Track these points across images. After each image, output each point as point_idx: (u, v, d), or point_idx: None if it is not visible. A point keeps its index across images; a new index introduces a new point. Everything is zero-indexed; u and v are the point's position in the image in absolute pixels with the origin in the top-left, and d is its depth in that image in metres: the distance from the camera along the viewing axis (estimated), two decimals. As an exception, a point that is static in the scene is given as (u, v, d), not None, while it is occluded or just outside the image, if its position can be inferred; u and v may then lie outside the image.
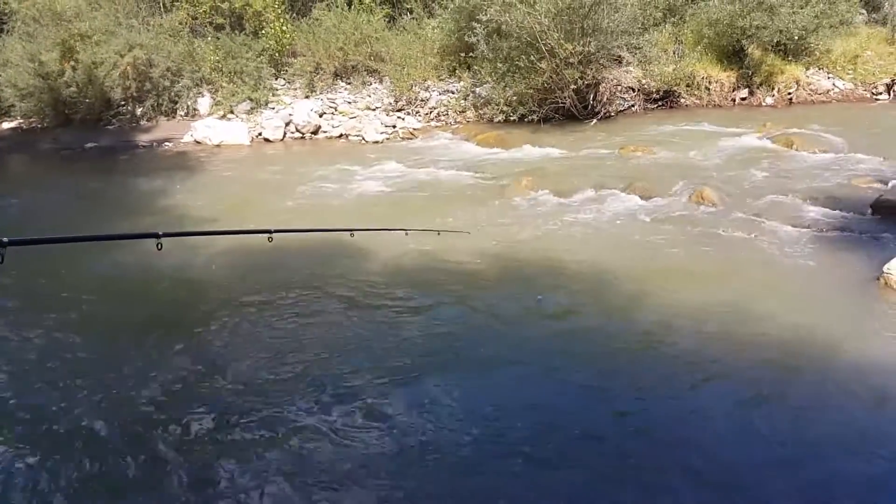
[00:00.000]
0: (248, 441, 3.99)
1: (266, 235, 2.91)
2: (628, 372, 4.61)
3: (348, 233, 4.82)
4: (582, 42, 12.16)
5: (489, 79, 13.61)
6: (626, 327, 5.19)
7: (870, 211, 7.33)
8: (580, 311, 5.50)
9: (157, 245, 2.39)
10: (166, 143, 13.50)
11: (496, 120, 13.43)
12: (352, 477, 3.65)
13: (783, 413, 4.08)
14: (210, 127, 13.54)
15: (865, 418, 3.99)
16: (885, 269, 5.61)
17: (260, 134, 13.48)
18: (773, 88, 13.93)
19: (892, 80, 14.01)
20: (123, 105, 14.59)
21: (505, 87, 13.17)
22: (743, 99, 13.96)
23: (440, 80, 14.59)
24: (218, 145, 13.16)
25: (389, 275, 6.28)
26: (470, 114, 13.98)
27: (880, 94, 13.95)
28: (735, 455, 3.71)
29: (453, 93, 14.33)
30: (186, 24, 15.37)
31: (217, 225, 7.82)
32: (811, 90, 14.05)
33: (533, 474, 3.63)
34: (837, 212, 7.34)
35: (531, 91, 12.85)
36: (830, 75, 14.35)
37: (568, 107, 12.97)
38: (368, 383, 4.52)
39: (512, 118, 13.29)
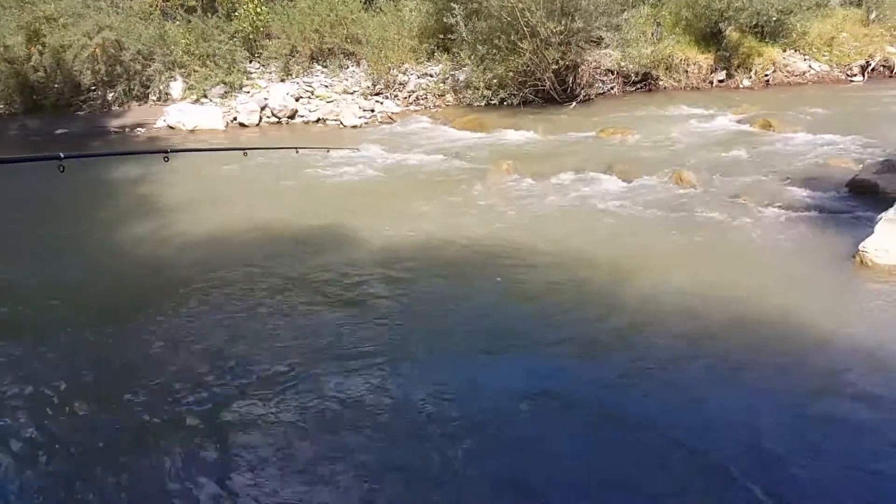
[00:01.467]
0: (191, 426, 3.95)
1: (162, 155, 2.89)
2: (604, 351, 4.62)
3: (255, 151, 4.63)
4: (563, 21, 12.11)
5: (468, 61, 13.53)
6: (604, 308, 5.19)
7: (845, 190, 7.43)
8: (556, 293, 5.49)
9: (60, 168, 2.46)
10: (139, 129, 13.24)
11: (476, 104, 13.38)
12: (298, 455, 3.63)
13: (759, 390, 4.11)
14: (183, 111, 13.30)
15: (840, 394, 4.04)
16: (860, 247, 5.68)
17: (235, 118, 13.28)
18: (750, 70, 14.05)
19: (867, 62, 14.19)
20: (94, 90, 14.27)
21: (485, 69, 13.11)
22: (721, 81, 14.05)
23: (419, 63, 14.47)
24: (192, 130, 12.94)
25: (356, 259, 6.22)
26: (449, 97, 13.89)
27: (855, 75, 14.13)
28: (709, 434, 3.73)
29: (432, 76, 14.22)
30: (157, 6, 15.05)
31: (195, 214, 7.65)
32: (788, 72, 14.19)
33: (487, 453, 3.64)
34: (814, 192, 7.41)
35: (511, 74, 12.81)
36: (807, 57, 14.50)
37: (548, 90, 12.95)
38: (314, 369, 4.48)
39: (492, 102, 13.24)
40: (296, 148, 4.50)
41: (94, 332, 5.11)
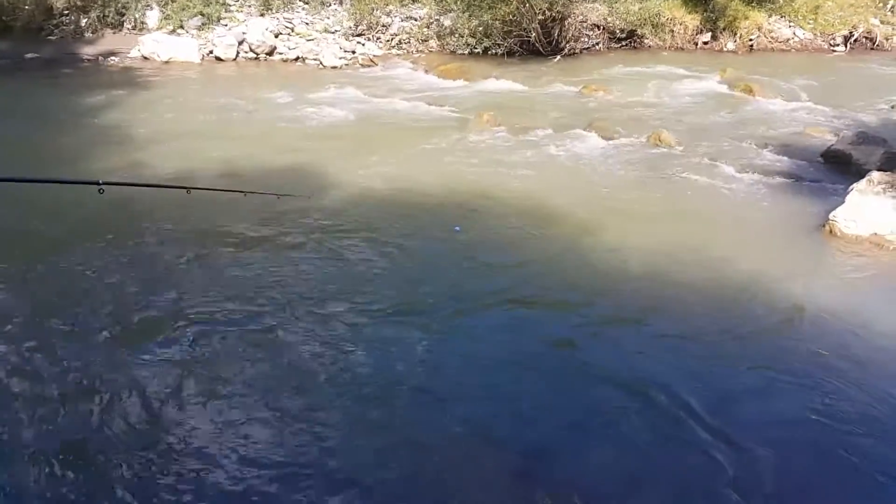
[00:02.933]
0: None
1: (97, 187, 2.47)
2: (561, 307, 4.58)
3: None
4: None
5: (454, 7, 13.10)
6: (567, 263, 5.13)
7: (820, 160, 7.40)
8: (521, 246, 5.41)
9: None
10: (112, 58, 12.65)
11: (459, 52, 13.00)
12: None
13: (724, 351, 4.11)
14: (158, 42, 12.72)
15: (803, 357, 4.05)
16: (830, 216, 5.67)
17: (211, 52, 12.74)
18: (735, 34, 13.82)
19: (850, 32, 14.04)
20: (66, 14, 13.57)
21: (470, 16, 12.72)
22: (706, 43, 13.83)
23: (403, 4, 13.96)
24: (166, 62, 12.41)
25: (321, 204, 6.05)
26: (433, 43, 13.48)
27: (837, 45, 13.99)
28: (671, 392, 3.72)
29: (416, 20, 13.75)
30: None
31: (159, 155, 7.26)
32: (772, 37, 13.99)
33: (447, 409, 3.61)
34: (790, 159, 7.37)
35: (497, 22, 12.44)
36: (791, 24, 14.29)
37: (533, 41, 12.62)
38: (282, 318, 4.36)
39: (476, 51, 12.89)
40: (244, 192, 4.27)
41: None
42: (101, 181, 2.46)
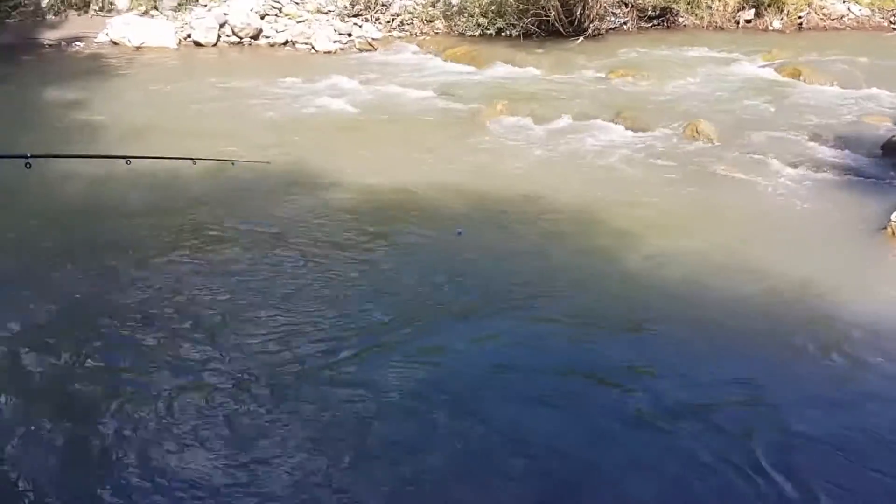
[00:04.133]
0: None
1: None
2: (589, 320, 4.62)
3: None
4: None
5: (463, -18, 13.22)
6: (595, 270, 5.19)
7: (880, 152, 7.41)
8: (543, 251, 5.48)
9: None
10: (77, 43, 12.78)
11: (469, 33, 13.08)
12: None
13: (777, 366, 4.16)
14: (129, 25, 12.85)
15: (864, 372, 4.10)
16: (892, 217, 5.69)
17: (189, 36, 12.86)
18: (782, 11, 13.87)
19: (914, 8, 14.06)
20: (25, -6, 13.74)
21: (481, -8, 12.84)
22: (748, 21, 13.87)
23: (405, -19, 14.09)
24: (138, 47, 12.53)
25: (321, 205, 6.19)
26: (439, 24, 13.58)
27: (899, 22, 14.01)
28: (724, 412, 3.77)
29: (420, -2, 13.87)
30: None
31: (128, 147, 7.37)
32: (824, 14, 14.03)
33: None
34: (845, 152, 7.40)
35: (511, 0, 12.54)
36: (846, -1, 14.34)
37: (552, 21, 12.68)
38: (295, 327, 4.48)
39: (488, 32, 12.96)
40: (193, 159, 4.40)
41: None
42: (28, 154, 2.55)
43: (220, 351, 4.23)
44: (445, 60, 11.64)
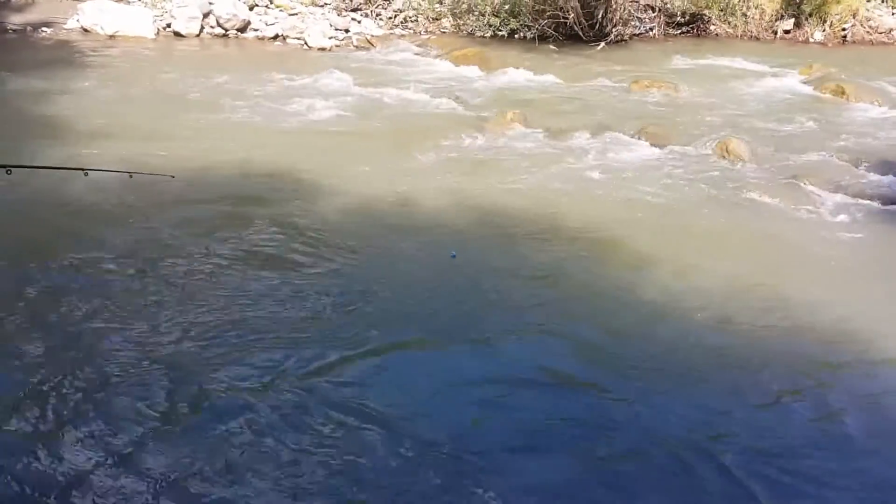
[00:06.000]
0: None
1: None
2: (611, 359, 4.63)
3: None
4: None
5: (474, -22, 13.34)
6: (615, 303, 5.19)
7: (931, 181, 7.46)
8: (559, 281, 5.50)
9: None
10: (44, 29, 12.87)
11: (479, 34, 13.22)
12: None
13: (813, 418, 4.18)
14: (103, 11, 12.93)
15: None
16: (943, 254, 5.71)
17: (169, 26, 12.96)
18: (824, 22, 14.00)
19: (971, 24, 14.20)
20: (-12, -26, 13.84)
21: (494, -10, 12.96)
22: (787, 32, 14.01)
23: (410, -26, 14.23)
24: (112, 36, 12.61)
25: (307, 222, 6.21)
26: (446, 23, 13.70)
27: (954, 39, 14.14)
28: (748, 468, 3.77)
29: (426, -7, 14.01)
30: None
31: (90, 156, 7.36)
32: (870, 27, 14.16)
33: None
34: (891, 178, 7.42)
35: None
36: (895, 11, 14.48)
37: (571, 24, 12.81)
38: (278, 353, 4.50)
39: (500, 33, 13.10)
40: (84, 170, 4.44)
41: None
42: None
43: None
44: (452, 63, 11.71)
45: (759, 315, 5.09)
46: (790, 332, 4.92)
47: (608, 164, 7.73)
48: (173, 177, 5.47)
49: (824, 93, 10.47)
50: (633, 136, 8.44)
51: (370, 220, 6.33)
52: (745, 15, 14.00)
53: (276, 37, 13.05)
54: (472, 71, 11.30)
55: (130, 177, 4.85)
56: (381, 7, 13.93)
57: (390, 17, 13.82)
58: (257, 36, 13.07)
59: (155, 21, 13.00)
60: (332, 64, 11.38)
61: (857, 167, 7.77)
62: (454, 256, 5.65)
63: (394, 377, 4.41)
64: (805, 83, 10.95)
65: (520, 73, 11.15)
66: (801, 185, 7.26)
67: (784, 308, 5.17)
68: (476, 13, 13.31)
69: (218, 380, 4.24)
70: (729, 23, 13.97)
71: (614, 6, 13.04)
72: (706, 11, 13.82)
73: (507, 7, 12.97)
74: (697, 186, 7.24)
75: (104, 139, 7.75)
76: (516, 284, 5.41)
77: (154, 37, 12.75)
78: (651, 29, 13.82)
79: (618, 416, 4.16)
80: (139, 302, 4.96)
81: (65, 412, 3.96)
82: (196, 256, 5.58)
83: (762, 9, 14.04)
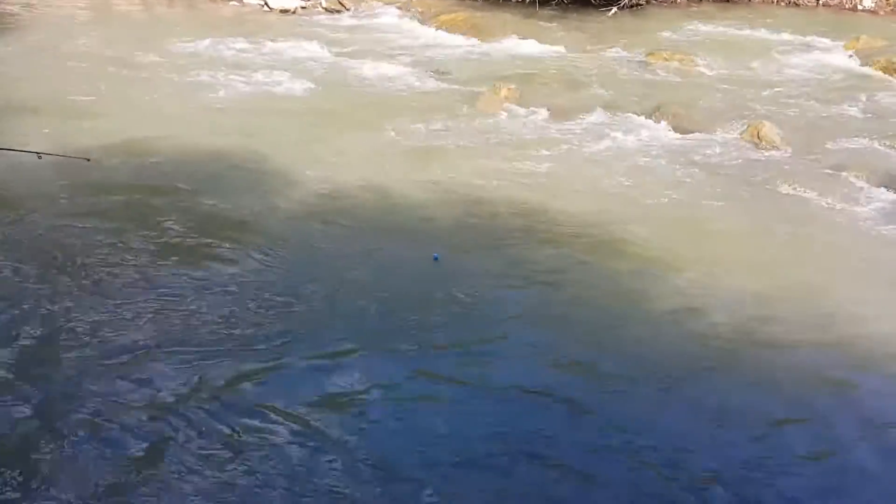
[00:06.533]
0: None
1: None
2: (617, 373, 4.64)
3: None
4: None
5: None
6: (624, 309, 5.20)
7: None
8: (561, 284, 5.49)
9: None
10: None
11: (471, -5, 13.19)
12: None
13: (849, 434, 4.19)
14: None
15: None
16: None
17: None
18: (875, -14, 14.02)
19: None
20: None
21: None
22: (831, -3, 14.03)
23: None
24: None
25: (267, 210, 6.26)
26: (432, -18, 13.66)
27: None
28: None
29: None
30: None
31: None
32: (929, -6, 14.18)
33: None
34: (948, 171, 7.41)
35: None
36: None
37: (578, -16, 12.80)
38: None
39: (495, -6, 13.08)
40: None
41: None
42: None
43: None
44: (437, 29, 11.72)
45: (793, 323, 5.07)
46: (830, 343, 4.90)
47: (617, 151, 7.70)
48: (88, 160, 5.37)
49: (872, 68, 10.44)
50: (648, 118, 8.41)
51: (342, 210, 6.30)
52: (782, -24, 14.01)
53: (232, -4, 13.01)
54: (462, 39, 11.30)
55: (39, 158, 4.78)
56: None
57: (367, -25, 13.75)
58: (210, -5, 13.01)
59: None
60: (298, 29, 11.41)
61: (906, 156, 7.76)
62: (437, 259, 5.61)
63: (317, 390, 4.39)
64: (850, 58, 10.91)
65: (517, 42, 11.14)
66: (842, 176, 7.25)
67: (822, 316, 5.15)
68: (468, -29, 13.27)
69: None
70: (763, -14, 13.96)
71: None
72: (737, -28, 13.82)
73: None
74: (722, 178, 7.21)
75: (14, 113, 7.68)
76: (505, 291, 5.38)
77: (88, -5, 12.67)
78: (672, -8, 13.81)
79: (603, 436, 4.13)
80: (36, 302, 4.92)
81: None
82: (106, 252, 5.52)
83: (802, -30, 14.05)
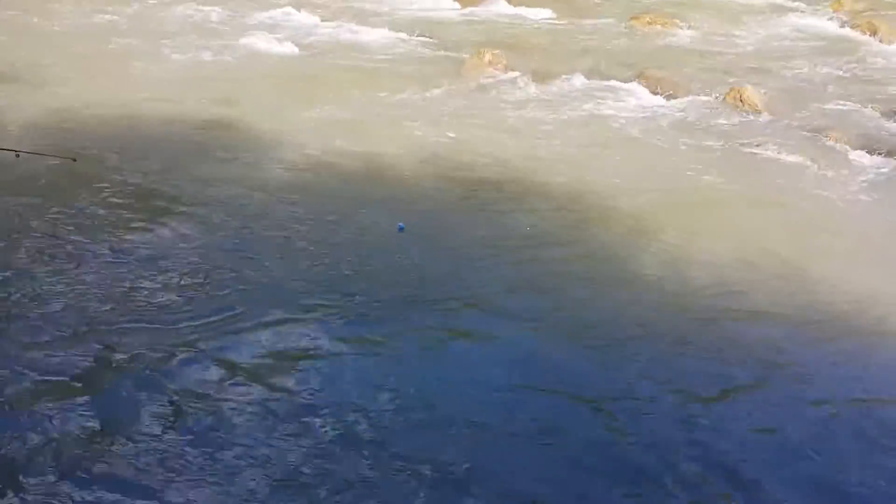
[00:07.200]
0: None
1: None
2: (589, 342, 4.61)
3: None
4: None
5: None
6: (605, 275, 5.18)
7: (973, 136, 7.47)
8: (541, 252, 5.44)
9: None
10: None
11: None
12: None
13: (829, 396, 4.20)
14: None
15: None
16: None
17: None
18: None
19: None
20: None
21: None
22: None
23: None
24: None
25: (250, 177, 6.26)
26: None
27: None
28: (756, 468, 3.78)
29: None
30: None
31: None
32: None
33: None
34: (928, 133, 7.40)
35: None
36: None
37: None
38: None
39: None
40: None
41: None
42: None
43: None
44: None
45: (773, 288, 5.06)
46: (809, 306, 4.90)
47: (600, 116, 7.69)
48: (74, 160, 5.19)
49: (854, 30, 10.44)
50: (631, 82, 8.39)
51: (326, 175, 6.32)
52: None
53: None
54: (446, 3, 11.25)
55: (17, 156, 4.53)
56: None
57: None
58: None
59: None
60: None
61: (888, 118, 7.74)
62: (402, 229, 5.55)
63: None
64: (832, 19, 10.89)
65: (502, 6, 11.13)
66: (825, 139, 7.24)
67: (802, 279, 5.15)
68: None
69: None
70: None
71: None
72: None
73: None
74: (704, 141, 7.20)
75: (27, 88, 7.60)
76: (486, 259, 5.32)
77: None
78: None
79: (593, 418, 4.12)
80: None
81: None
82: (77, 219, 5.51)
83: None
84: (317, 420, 3.90)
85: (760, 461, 3.77)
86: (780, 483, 3.65)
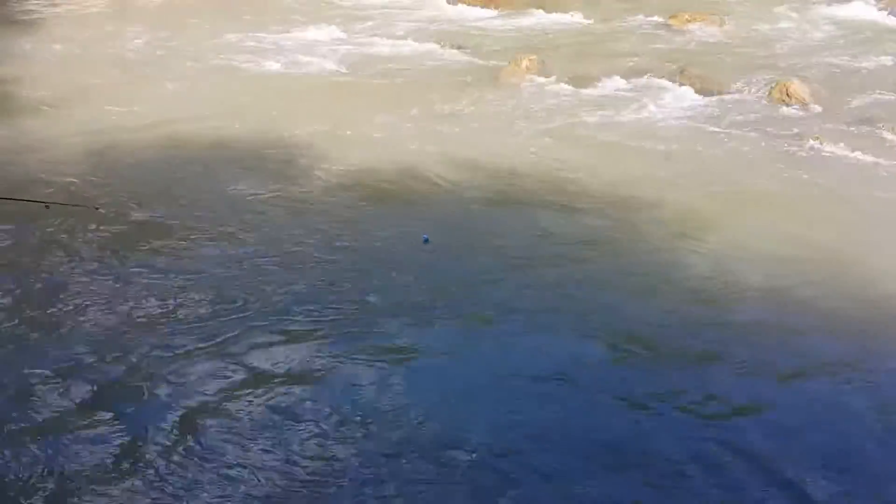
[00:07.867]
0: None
1: None
2: (638, 350, 4.57)
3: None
4: None
5: None
6: (652, 278, 5.15)
7: None
8: (587, 257, 5.45)
9: None
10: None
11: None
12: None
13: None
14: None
15: None
16: None
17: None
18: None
19: None
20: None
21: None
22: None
23: None
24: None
25: (292, 192, 6.36)
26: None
27: None
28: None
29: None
30: None
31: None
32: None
33: None
34: None
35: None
36: None
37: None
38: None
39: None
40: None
41: None
42: None
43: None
44: (454, 3, 11.60)
45: (827, 289, 4.97)
46: (865, 309, 4.78)
47: (642, 117, 7.64)
48: (97, 208, 5.35)
49: (902, 19, 10.24)
50: (673, 81, 8.33)
51: (365, 187, 6.39)
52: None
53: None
54: (480, 11, 11.25)
55: (47, 208, 4.69)
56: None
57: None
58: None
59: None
60: (316, 10, 11.32)
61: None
62: (427, 241, 5.59)
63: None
64: (881, 9, 10.69)
65: (537, 13, 11.03)
66: (877, 132, 7.13)
67: (858, 281, 5.03)
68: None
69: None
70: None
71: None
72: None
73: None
74: (751, 138, 7.11)
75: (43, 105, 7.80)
76: (532, 262, 5.35)
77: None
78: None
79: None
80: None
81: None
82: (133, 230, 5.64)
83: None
84: (338, 433, 3.89)
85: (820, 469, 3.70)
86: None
